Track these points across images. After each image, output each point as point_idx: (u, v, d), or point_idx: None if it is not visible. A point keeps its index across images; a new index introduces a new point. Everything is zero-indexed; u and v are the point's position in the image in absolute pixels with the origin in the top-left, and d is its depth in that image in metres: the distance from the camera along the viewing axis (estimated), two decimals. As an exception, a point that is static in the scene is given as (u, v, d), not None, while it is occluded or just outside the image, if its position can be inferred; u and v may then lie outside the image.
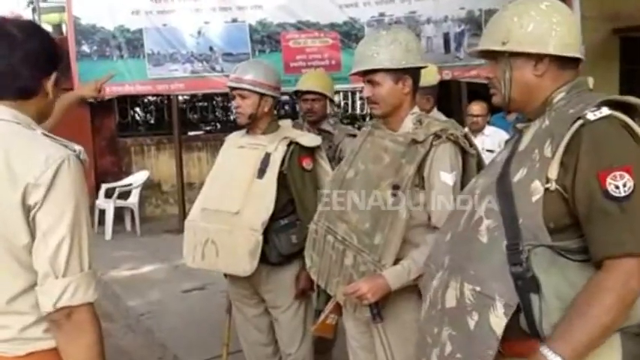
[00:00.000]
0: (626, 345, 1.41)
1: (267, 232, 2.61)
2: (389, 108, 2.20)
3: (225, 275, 2.93)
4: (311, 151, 2.75)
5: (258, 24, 6.87)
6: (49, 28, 7.23)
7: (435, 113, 3.36)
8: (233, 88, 2.72)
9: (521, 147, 1.55)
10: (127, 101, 8.90)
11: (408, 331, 2.13)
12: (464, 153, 2.13)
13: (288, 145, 2.68)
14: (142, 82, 7.13)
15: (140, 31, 6.98)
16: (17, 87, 1.47)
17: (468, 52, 1.80)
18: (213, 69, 7.03)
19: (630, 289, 1.33)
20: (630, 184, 1.33)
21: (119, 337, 4.30)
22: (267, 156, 2.66)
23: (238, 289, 2.88)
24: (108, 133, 8.02)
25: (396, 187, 2.09)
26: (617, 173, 1.34)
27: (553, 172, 1.40)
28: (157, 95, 8.76)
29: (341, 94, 9.84)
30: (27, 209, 1.36)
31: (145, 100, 9.32)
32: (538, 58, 1.55)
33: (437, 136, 2.08)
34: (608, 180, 1.34)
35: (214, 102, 9.83)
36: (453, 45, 6.64)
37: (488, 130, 4.87)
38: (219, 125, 9.88)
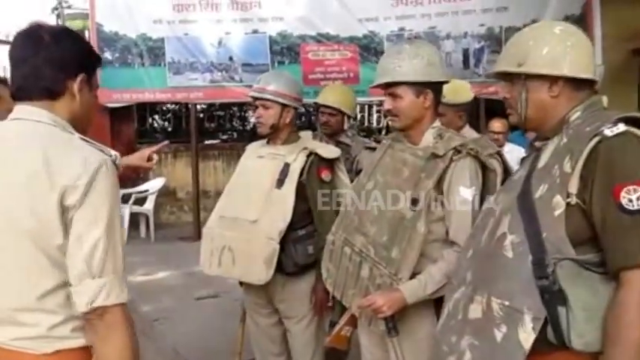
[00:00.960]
0: None
1: (283, 242, 2.62)
2: (409, 121, 2.20)
3: (241, 284, 2.94)
4: (330, 163, 2.76)
5: (279, 35, 6.96)
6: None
7: (467, 130, 3.35)
8: (256, 98, 2.74)
9: (541, 164, 1.59)
10: (147, 108, 8.99)
11: (423, 347, 2.14)
12: (485, 168, 2.13)
13: (308, 156, 2.70)
14: (161, 89, 7.23)
15: (162, 39, 7.09)
16: (41, 87, 1.51)
17: (485, 74, 1.85)
18: (233, 79, 7.12)
19: None
20: None
21: (132, 342, 4.32)
22: (287, 166, 2.67)
23: (253, 297, 2.88)
24: (126, 139, 8.08)
25: (414, 201, 2.09)
26: (632, 187, 1.38)
27: (573, 186, 1.45)
28: (176, 103, 8.84)
29: (358, 106, 9.88)
30: (63, 210, 1.39)
31: (164, 108, 9.41)
32: (553, 79, 1.62)
33: (457, 150, 2.09)
34: (623, 194, 1.39)
35: (231, 111, 9.89)
36: (472, 61, 6.66)
37: (508, 147, 4.86)
38: (235, 134, 9.94)
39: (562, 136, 1.57)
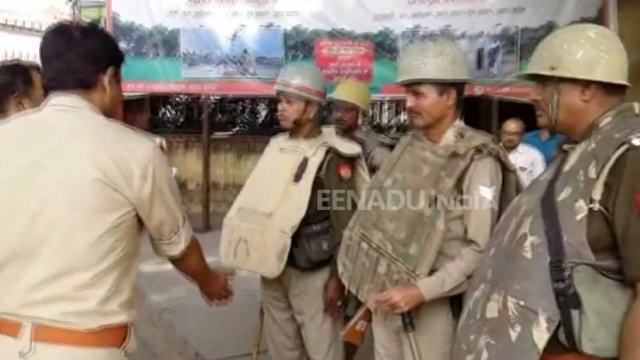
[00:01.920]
0: None
1: (298, 237, 2.62)
2: (431, 120, 2.21)
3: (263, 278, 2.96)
4: (350, 160, 2.75)
5: (293, 30, 6.95)
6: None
7: (478, 131, 3.37)
8: (279, 92, 2.73)
9: (567, 167, 1.59)
10: (159, 99, 9.02)
11: (438, 343, 2.16)
12: (504, 169, 2.14)
13: (327, 152, 2.69)
14: (175, 81, 7.25)
15: (177, 31, 7.11)
16: (76, 78, 1.61)
17: (516, 75, 1.85)
18: (247, 72, 7.13)
19: None
20: None
21: (141, 329, 4.33)
22: (305, 161, 2.67)
23: (269, 291, 2.90)
24: (139, 129, 8.12)
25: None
26: None
27: (597, 193, 1.45)
28: (188, 95, 8.86)
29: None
30: (131, 194, 1.55)
31: (177, 99, 9.43)
32: (585, 84, 1.61)
33: (478, 150, 2.10)
34: None
35: (243, 104, 9.91)
36: (486, 61, 6.64)
37: (522, 148, 4.87)
38: (246, 127, 9.95)
39: (590, 141, 1.56)
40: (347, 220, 2.49)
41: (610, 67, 1.60)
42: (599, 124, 1.59)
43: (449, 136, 2.21)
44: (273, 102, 9.93)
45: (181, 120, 9.51)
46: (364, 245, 2.32)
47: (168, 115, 9.55)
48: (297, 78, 2.71)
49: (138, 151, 1.56)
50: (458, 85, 2.21)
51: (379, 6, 6.75)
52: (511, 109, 5.80)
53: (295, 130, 2.79)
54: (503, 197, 2.14)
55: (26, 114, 1.71)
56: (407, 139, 2.39)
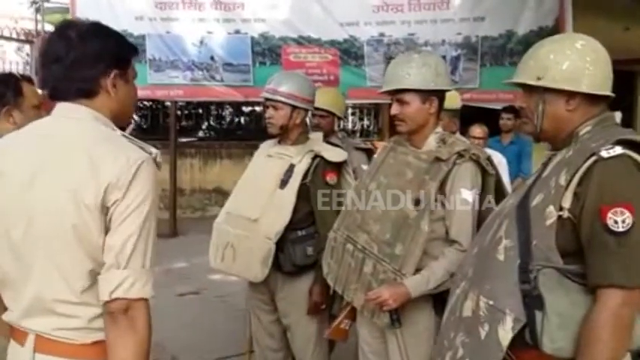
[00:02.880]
0: None
1: (283, 242, 2.68)
2: (414, 126, 2.33)
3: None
4: (336, 166, 2.81)
5: (261, 37, 6.99)
6: (51, 29, 7.27)
7: (458, 136, 3.51)
8: (267, 99, 2.79)
9: (545, 174, 1.66)
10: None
11: (423, 337, 2.27)
12: (484, 172, 2.27)
13: (313, 159, 2.75)
14: (141, 86, 7.07)
15: (143, 36, 7.04)
16: (76, 88, 1.51)
17: (505, 82, 1.93)
18: (213, 78, 7.12)
19: (622, 320, 1.44)
20: (629, 220, 1.43)
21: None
22: (291, 167, 2.73)
23: (256, 294, 2.94)
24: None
25: (417, 201, 2.22)
26: (619, 209, 1.44)
27: (567, 201, 1.51)
28: (154, 101, 8.81)
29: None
30: (105, 208, 1.41)
31: (141, 105, 9.36)
32: (570, 94, 1.65)
33: (460, 155, 2.22)
34: (609, 215, 1.44)
35: (208, 110, 9.90)
36: (448, 68, 6.81)
37: (487, 152, 5.05)
38: (211, 133, 9.95)
39: (570, 149, 1.61)
40: (333, 225, 2.57)
41: (595, 78, 1.64)
42: (579, 132, 1.64)
43: (431, 142, 2.33)
44: (238, 108, 9.96)
45: (145, 126, 9.43)
46: (349, 246, 2.41)
47: (133, 121, 9.46)
48: (284, 85, 2.77)
49: (119, 160, 1.42)
50: (439, 95, 2.33)
51: (345, 14, 6.85)
52: (472, 115, 6.00)
53: (283, 136, 2.84)
54: (483, 199, 2.27)
55: (35, 123, 1.61)
56: (389, 144, 2.50)
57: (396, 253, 2.22)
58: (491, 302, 1.61)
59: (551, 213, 1.53)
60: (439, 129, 2.37)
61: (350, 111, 10.26)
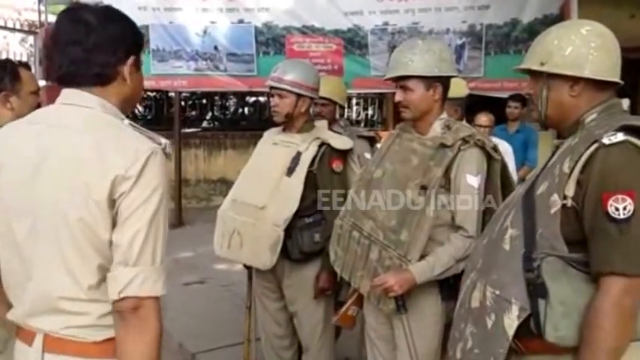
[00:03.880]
0: None
1: (290, 229, 2.69)
2: (418, 113, 2.33)
3: (245, 266, 3.03)
4: (342, 154, 2.82)
5: (264, 26, 6.98)
6: (54, 19, 7.24)
7: (464, 123, 3.51)
8: (272, 87, 2.80)
9: (551, 162, 1.66)
10: (127, 95, 8.96)
11: (428, 323, 2.29)
12: (489, 158, 2.27)
13: (320, 146, 2.76)
14: (145, 77, 6.97)
15: (146, 27, 7.01)
16: (93, 73, 1.45)
17: (513, 68, 1.92)
18: (217, 68, 7.12)
19: (624, 308, 1.43)
20: (631, 207, 1.42)
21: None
22: (298, 155, 2.74)
23: (262, 281, 2.96)
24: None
25: (423, 188, 2.22)
26: (620, 196, 1.43)
27: (570, 189, 1.51)
28: (157, 91, 8.81)
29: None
30: (113, 202, 1.36)
31: (145, 96, 9.36)
32: (574, 80, 1.63)
33: (465, 140, 2.23)
34: (610, 202, 1.43)
35: (212, 100, 9.90)
36: (454, 57, 6.79)
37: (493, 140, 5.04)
38: (215, 123, 9.95)
39: (576, 136, 1.59)
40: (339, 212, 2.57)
41: (599, 64, 1.61)
42: (585, 120, 1.62)
43: (436, 129, 2.33)
44: (242, 98, 9.96)
45: (149, 116, 9.44)
46: (355, 234, 2.42)
47: (137, 112, 9.48)
48: (289, 74, 2.77)
49: (128, 151, 1.37)
50: (444, 81, 2.33)
51: (349, 3, 6.83)
52: (477, 103, 5.99)
53: (288, 124, 2.86)
54: (489, 185, 2.27)
55: (39, 112, 1.60)
56: (395, 131, 2.51)
57: (401, 239, 2.22)
58: (497, 292, 1.61)
59: (556, 201, 1.52)
60: (444, 115, 2.37)
61: (354, 101, 10.24)
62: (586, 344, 1.46)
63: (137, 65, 1.54)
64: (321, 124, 2.96)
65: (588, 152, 1.49)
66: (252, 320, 3.12)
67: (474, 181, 2.21)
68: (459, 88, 3.52)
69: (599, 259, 1.46)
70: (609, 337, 1.42)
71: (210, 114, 9.98)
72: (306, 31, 6.94)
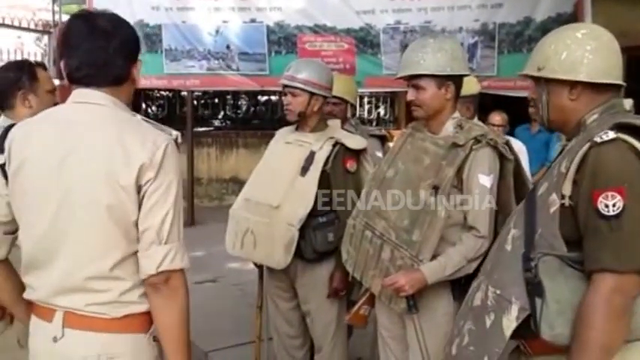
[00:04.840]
0: None
1: (304, 228, 2.68)
2: (431, 112, 2.33)
3: (256, 265, 3.03)
4: (355, 153, 2.82)
5: (276, 25, 6.98)
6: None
7: (476, 121, 3.50)
8: (285, 86, 2.80)
9: (554, 163, 1.66)
10: (141, 94, 9.01)
11: (440, 323, 2.28)
12: (502, 158, 2.26)
13: (334, 146, 2.76)
14: (158, 76, 7.24)
15: (159, 26, 7.07)
16: (113, 75, 1.61)
17: (517, 74, 1.92)
18: (229, 67, 7.13)
19: (614, 305, 1.42)
20: (620, 204, 1.43)
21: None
22: (312, 154, 2.73)
23: (275, 281, 2.96)
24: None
25: (435, 188, 2.21)
26: (610, 193, 1.44)
27: (567, 189, 1.51)
28: (170, 90, 8.85)
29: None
30: (139, 187, 1.52)
31: (157, 95, 9.42)
32: (572, 84, 1.65)
33: (477, 140, 2.21)
34: (600, 199, 1.45)
35: (224, 99, 9.93)
36: (466, 56, 6.76)
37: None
38: (228, 122, 9.98)
39: (578, 138, 1.60)
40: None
41: (595, 66, 1.62)
42: (587, 121, 1.63)
43: (448, 128, 2.32)
44: (254, 97, 9.98)
45: (161, 116, 9.48)
46: (368, 233, 2.42)
47: (150, 111, 9.53)
48: (302, 72, 2.77)
49: (148, 142, 1.53)
50: (456, 80, 2.32)
51: (361, 2, 6.81)
52: (491, 102, 5.96)
53: (301, 123, 2.86)
54: (502, 185, 2.26)
55: (53, 110, 1.72)
56: (408, 130, 2.50)
57: (413, 239, 2.22)
58: (498, 291, 1.63)
59: (554, 201, 1.54)
60: (456, 114, 2.36)
61: (366, 100, 10.23)
62: (577, 341, 1.46)
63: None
64: (334, 124, 2.95)
65: (582, 151, 1.49)
66: (263, 319, 3.13)
67: (486, 180, 2.20)
68: (470, 86, 3.51)
69: (590, 256, 1.47)
70: (599, 334, 1.42)
71: (222, 113, 10.01)
72: (318, 30, 6.93)
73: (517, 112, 5.65)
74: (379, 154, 3.34)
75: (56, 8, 7.42)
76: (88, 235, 1.53)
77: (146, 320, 1.61)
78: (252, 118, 10.05)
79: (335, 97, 3.56)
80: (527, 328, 1.53)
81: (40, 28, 9.50)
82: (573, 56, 1.64)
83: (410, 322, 2.29)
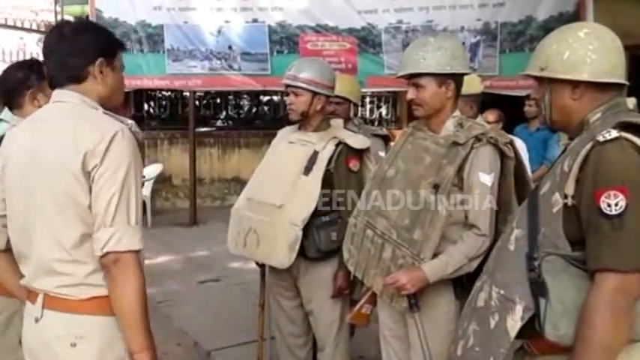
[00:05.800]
0: None
1: (307, 228, 2.67)
2: (431, 110, 2.33)
3: (258, 264, 3.04)
4: (359, 153, 2.81)
5: (278, 25, 6.99)
6: (71, 20, 7.33)
7: (477, 120, 3.50)
8: (287, 85, 2.79)
9: (557, 162, 1.66)
10: (143, 94, 9.02)
11: (442, 322, 2.28)
12: (503, 156, 2.26)
13: (337, 145, 2.75)
14: (160, 76, 7.25)
15: (161, 26, 7.09)
16: (68, 76, 1.75)
17: (520, 74, 1.92)
18: (231, 67, 7.15)
19: (616, 304, 1.42)
20: (622, 203, 1.42)
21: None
22: (315, 154, 2.73)
23: (277, 280, 2.95)
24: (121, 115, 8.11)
25: (436, 187, 2.22)
26: (612, 192, 1.43)
27: (570, 188, 1.51)
28: (172, 90, 8.87)
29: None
30: (87, 173, 1.62)
31: (159, 95, 9.43)
32: (574, 83, 1.64)
33: (477, 138, 2.21)
34: (602, 198, 1.44)
35: (226, 99, 9.94)
36: (467, 55, 6.77)
37: (505, 139, 5.03)
38: (230, 122, 9.99)
39: (581, 137, 1.59)
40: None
41: (597, 66, 1.62)
42: (589, 120, 1.63)
43: (449, 126, 2.32)
44: (256, 97, 9.99)
45: (164, 116, 9.49)
46: (369, 232, 2.42)
47: (152, 110, 9.54)
48: (305, 72, 2.77)
49: (96, 131, 1.63)
50: (456, 78, 2.32)
51: (363, 1, 6.82)
52: (491, 101, 5.96)
53: (304, 122, 2.85)
54: (503, 183, 2.26)
55: (39, 110, 1.89)
56: (409, 129, 2.50)
57: (414, 238, 2.22)
58: (502, 292, 1.62)
59: (557, 200, 1.53)
60: (457, 113, 2.36)
61: (368, 99, 10.23)
62: (579, 341, 1.45)
63: (111, 66, 1.81)
64: (337, 123, 2.94)
65: (585, 150, 1.49)
66: (266, 318, 3.14)
67: (486, 179, 2.20)
68: (473, 85, 3.51)
69: (592, 256, 1.46)
70: (602, 334, 1.42)
71: (224, 113, 10.01)
72: (320, 29, 6.94)
73: (516, 111, 5.67)
74: (382, 153, 3.34)
75: (58, 9, 7.42)
76: (51, 222, 1.65)
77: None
78: (254, 118, 10.07)
79: (338, 96, 3.56)
80: (531, 328, 1.53)
81: (42, 29, 9.51)
82: (576, 56, 1.63)
83: (411, 320, 2.29)
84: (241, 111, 10.14)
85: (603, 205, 1.44)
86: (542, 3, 6.50)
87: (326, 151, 2.73)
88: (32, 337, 1.74)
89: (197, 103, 9.11)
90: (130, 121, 1.76)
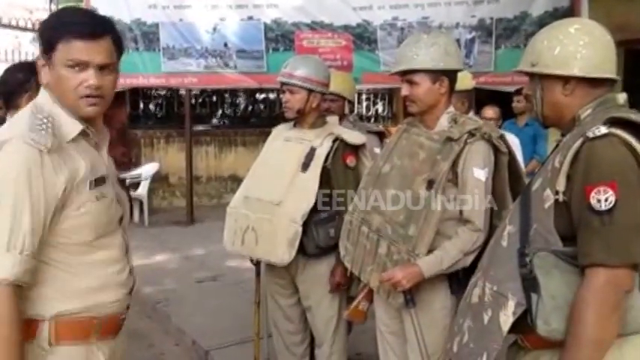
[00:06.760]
0: None
1: (306, 224, 2.67)
2: (425, 107, 2.33)
3: (252, 262, 3.05)
4: (354, 149, 2.82)
5: (273, 22, 7.01)
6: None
7: (471, 115, 3.51)
8: (283, 83, 2.80)
9: (549, 158, 1.67)
10: (139, 93, 9.01)
11: (438, 317, 2.29)
12: (496, 151, 2.27)
13: (334, 142, 2.76)
14: (155, 75, 7.25)
15: (156, 25, 7.09)
16: None
17: (512, 70, 1.92)
18: (227, 65, 7.15)
19: (605, 299, 1.42)
20: (612, 198, 1.43)
21: (136, 321, 4.40)
22: (312, 150, 2.73)
23: (275, 278, 2.95)
24: (119, 124, 8.08)
25: (431, 182, 2.22)
26: (602, 188, 1.44)
27: (561, 184, 1.51)
28: (168, 89, 8.86)
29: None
30: None
31: (155, 93, 9.42)
32: (566, 79, 1.64)
33: (471, 134, 2.22)
34: (592, 194, 1.44)
35: (222, 97, 9.93)
36: (463, 51, 6.78)
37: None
38: (227, 120, 9.99)
39: (573, 133, 1.59)
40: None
41: (588, 61, 1.62)
42: (580, 116, 1.63)
43: (443, 122, 2.33)
44: (252, 95, 9.98)
45: (160, 114, 9.48)
46: (364, 229, 2.43)
47: (148, 109, 9.52)
48: (300, 69, 2.77)
49: None
50: (450, 74, 2.33)
51: (358, -2, 6.85)
52: (486, 97, 5.97)
53: (300, 119, 2.85)
54: (497, 178, 2.27)
55: None
56: (403, 126, 2.51)
57: (409, 234, 2.23)
58: (495, 288, 1.63)
59: (549, 196, 1.54)
60: (451, 109, 2.37)
61: (363, 96, 10.23)
62: (570, 336, 1.46)
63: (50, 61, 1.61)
64: (333, 120, 2.95)
65: (575, 146, 1.49)
66: (262, 316, 3.14)
67: (481, 174, 2.21)
68: (465, 81, 3.52)
69: (583, 251, 1.47)
70: (592, 329, 1.42)
71: (220, 111, 10.01)
72: (316, 27, 6.95)
73: (505, 107, 5.68)
74: (377, 150, 3.33)
75: (53, 7, 7.39)
76: None
77: (29, 327, 1.51)
78: (251, 116, 10.06)
79: (332, 93, 3.56)
80: (525, 324, 1.54)
81: (37, 27, 9.49)
82: (566, 51, 1.64)
83: (407, 316, 2.30)
84: (237, 109, 10.13)
85: (593, 201, 1.44)
86: (537, -1, 6.53)
87: (323, 148, 2.74)
88: None
89: (193, 101, 9.10)
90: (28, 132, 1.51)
